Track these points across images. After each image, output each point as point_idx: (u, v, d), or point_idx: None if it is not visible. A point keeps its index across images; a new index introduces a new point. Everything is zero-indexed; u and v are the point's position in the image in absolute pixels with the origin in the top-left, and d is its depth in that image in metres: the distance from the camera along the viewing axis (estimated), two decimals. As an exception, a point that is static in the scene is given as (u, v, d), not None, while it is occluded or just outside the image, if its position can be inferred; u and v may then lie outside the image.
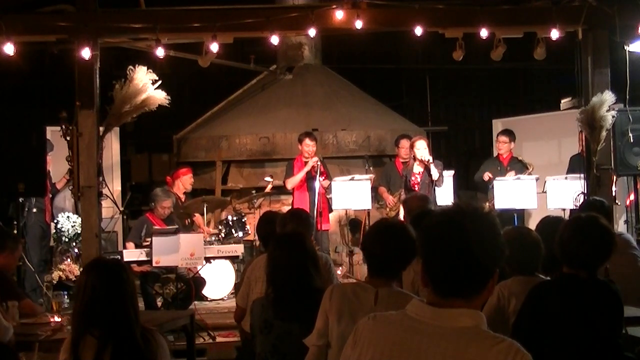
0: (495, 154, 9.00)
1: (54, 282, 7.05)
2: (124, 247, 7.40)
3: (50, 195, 7.78)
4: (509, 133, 8.36)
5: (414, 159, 7.40)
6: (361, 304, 2.96)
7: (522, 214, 7.94)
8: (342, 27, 6.32)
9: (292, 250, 3.42)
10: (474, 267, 1.76)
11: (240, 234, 7.99)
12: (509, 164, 8.23)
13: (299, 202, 7.80)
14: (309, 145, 7.90)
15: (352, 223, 8.93)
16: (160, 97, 6.13)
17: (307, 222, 4.63)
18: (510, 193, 7.61)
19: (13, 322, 4.23)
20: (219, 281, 7.62)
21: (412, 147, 7.51)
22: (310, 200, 7.74)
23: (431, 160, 7.25)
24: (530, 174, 7.95)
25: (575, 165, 7.40)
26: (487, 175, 8.10)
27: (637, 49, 6.60)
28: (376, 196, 8.64)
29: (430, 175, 7.26)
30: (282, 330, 3.33)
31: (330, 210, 8.20)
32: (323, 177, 7.82)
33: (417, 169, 7.38)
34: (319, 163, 7.76)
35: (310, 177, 7.81)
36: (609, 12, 6.31)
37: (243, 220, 8.10)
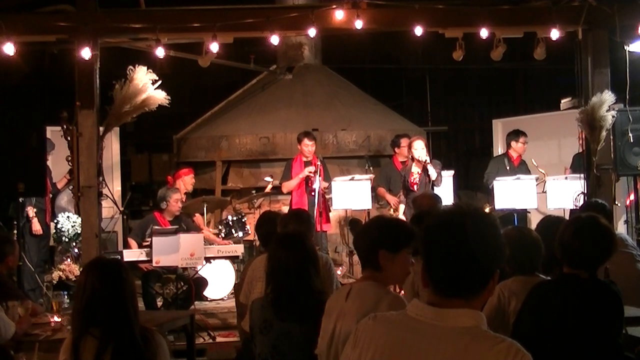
0: (498, 153, 8.98)
1: (54, 282, 7.06)
2: (126, 245, 7.42)
3: (51, 195, 7.78)
4: (525, 134, 8.34)
5: (412, 159, 7.40)
6: (338, 300, 3.03)
7: (522, 214, 7.94)
8: (342, 27, 6.32)
9: (293, 250, 3.41)
10: (474, 268, 1.76)
11: (240, 234, 8.00)
12: (518, 165, 8.24)
13: (297, 203, 7.79)
14: (308, 145, 7.88)
15: (352, 223, 8.93)
16: (160, 97, 6.13)
17: (308, 222, 4.62)
18: (510, 193, 7.61)
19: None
20: (219, 281, 7.62)
21: (409, 147, 7.50)
22: (310, 201, 7.72)
23: (429, 161, 7.24)
24: (539, 180, 7.94)
25: (579, 164, 7.39)
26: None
27: (637, 49, 6.60)
28: (376, 196, 8.64)
29: (428, 176, 7.25)
30: (282, 330, 3.32)
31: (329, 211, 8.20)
32: (322, 178, 7.80)
33: (415, 169, 7.38)
34: (318, 163, 7.75)
35: (307, 180, 7.79)
36: (609, 12, 6.31)
37: (243, 220, 8.10)
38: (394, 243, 2.90)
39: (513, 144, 8.31)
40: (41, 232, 7.50)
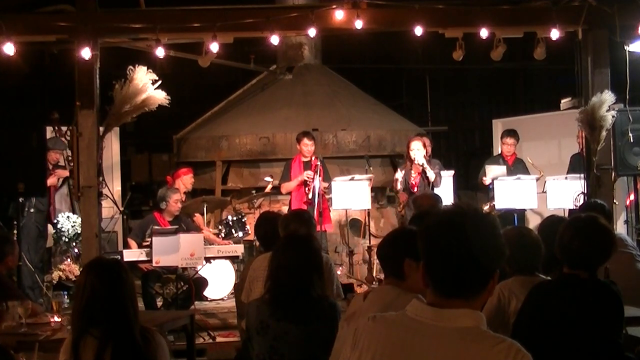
0: (496, 153, 8.98)
1: (54, 282, 7.05)
2: (126, 245, 7.41)
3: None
4: (514, 134, 8.30)
5: (410, 160, 7.37)
6: (358, 303, 3.02)
7: (522, 214, 7.93)
8: (342, 27, 6.32)
9: (298, 253, 3.36)
10: (475, 268, 1.76)
11: (240, 234, 7.99)
12: (513, 164, 8.23)
13: (296, 204, 7.78)
14: (307, 144, 7.87)
15: (352, 223, 8.92)
16: (160, 97, 6.13)
17: (309, 222, 4.59)
18: (510, 193, 7.60)
19: (13, 322, 4.24)
20: (219, 281, 7.62)
21: (408, 147, 7.48)
22: (309, 200, 7.71)
23: (425, 164, 7.22)
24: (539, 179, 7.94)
25: (576, 165, 7.39)
26: (488, 179, 8.02)
27: (637, 49, 6.60)
28: (376, 196, 8.62)
29: (427, 177, 7.24)
30: (279, 330, 3.30)
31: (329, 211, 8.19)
32: (321, 178, 7.78)
33: (415, 169, 7.36)
34: (318, 163, 7.73)
35: (305, 184, 7.77)
36: (609, 12, 6.31)
37: (243, 220, 8.10)
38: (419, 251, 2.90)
39: (500, 144, 8.37)
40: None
